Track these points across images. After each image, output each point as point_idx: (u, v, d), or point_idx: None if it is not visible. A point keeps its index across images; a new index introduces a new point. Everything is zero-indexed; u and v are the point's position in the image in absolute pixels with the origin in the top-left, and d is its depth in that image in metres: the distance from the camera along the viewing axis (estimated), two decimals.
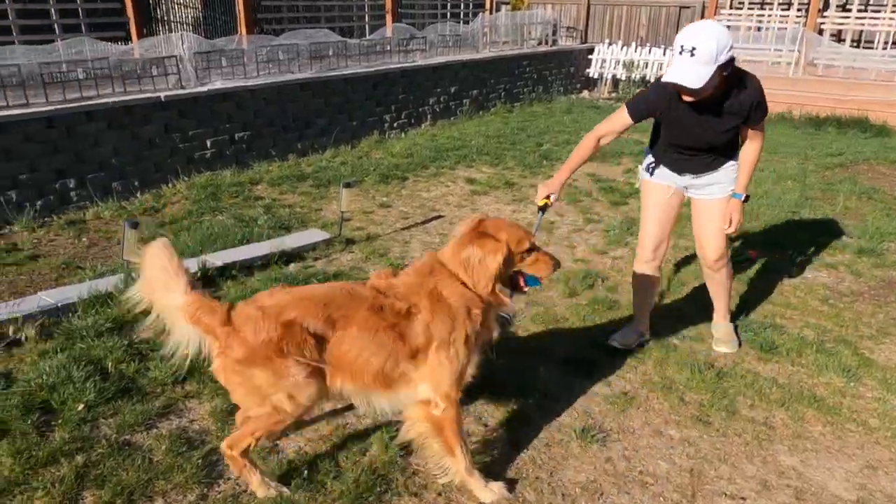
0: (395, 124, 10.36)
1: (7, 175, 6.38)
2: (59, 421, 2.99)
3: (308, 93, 8.99)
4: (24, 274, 5.32)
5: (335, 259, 5.32)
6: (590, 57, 14.72)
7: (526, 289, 2.77)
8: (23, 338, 3.66)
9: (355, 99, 9.65)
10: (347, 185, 5.74)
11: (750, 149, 3.52)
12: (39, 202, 6.56)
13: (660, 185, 3.72)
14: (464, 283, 2.53)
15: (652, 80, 13.78)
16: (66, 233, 6.21)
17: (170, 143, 7.55)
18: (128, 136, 7.19)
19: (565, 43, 15.61)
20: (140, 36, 8.91)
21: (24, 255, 5.60)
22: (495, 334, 2.82)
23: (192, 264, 4.68)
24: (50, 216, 6.51)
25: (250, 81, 8.41)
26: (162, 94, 7.40)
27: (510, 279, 2.71)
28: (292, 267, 5.09)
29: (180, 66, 7.92)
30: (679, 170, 3.63)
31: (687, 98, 3.20)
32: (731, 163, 3.58)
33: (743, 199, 3.56)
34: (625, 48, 14.33)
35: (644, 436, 3.17)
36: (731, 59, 3.06)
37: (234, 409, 3.18)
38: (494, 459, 2.94)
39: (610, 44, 14.63)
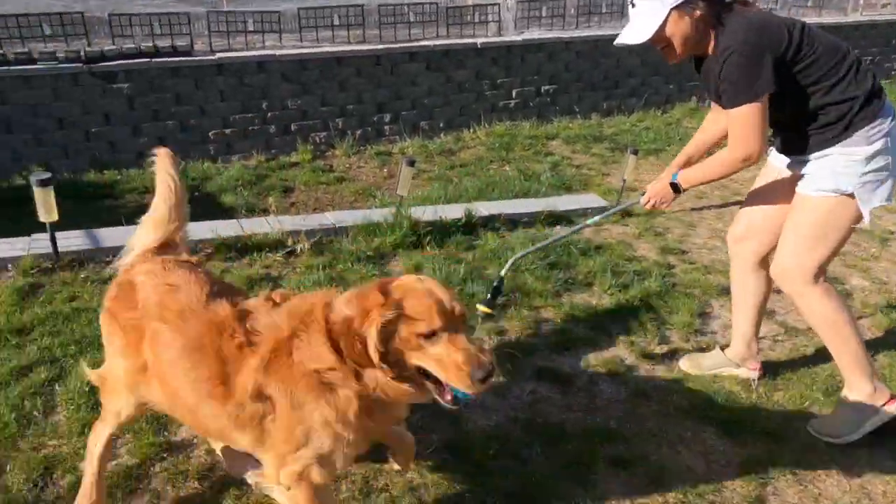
0: None
1: (339, 104, 7.22)
2: None
3: (625, 49, 8.43)
4: (328, 193, 6.01)
5: (605, 229, 4.91)
6: None
7: (447, 397, 1.71)
8: (300, 249, 4.07)
9: None
10: (635, 153, 5.22)
11: (721, 150, 2.55)
12: (359, 131, 7.31)
13: (771, 164, 2.83)
14: (336, 347, 1.71)
15: None
16: (372, 162, 6.84)
17: (478, 89, 7.76)
18: (442, 78, 7.56)
19: None
20: None
21: (334, 177, 6.31)
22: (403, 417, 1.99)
23: (459, 211, 4.73)
24: (364, 145, 7.22)
25: (567, 33, 8.17)
26: (479, 41, 7.59)
27: (410, 374, 1.72)
28: (557, 229, 4.84)
29: (501, 15, 8.02)
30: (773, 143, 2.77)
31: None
32: (832, 150, 2.44)
33: (674, 182, 2.66)
34: None
35: None
36: None
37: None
38: None
39: None
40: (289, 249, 4.10)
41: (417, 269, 3.96)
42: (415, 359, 1.68)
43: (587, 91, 8.39)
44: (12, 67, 5.91)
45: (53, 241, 3.70)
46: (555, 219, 4.93)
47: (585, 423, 2.73)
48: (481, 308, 2.95)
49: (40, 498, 2.22)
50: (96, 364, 2.73)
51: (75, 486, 2.21)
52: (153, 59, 6.36)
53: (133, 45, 6.47)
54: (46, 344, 2.99)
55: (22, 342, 3.01)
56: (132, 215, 4.72)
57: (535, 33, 8.10)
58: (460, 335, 1.67)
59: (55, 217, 3.65)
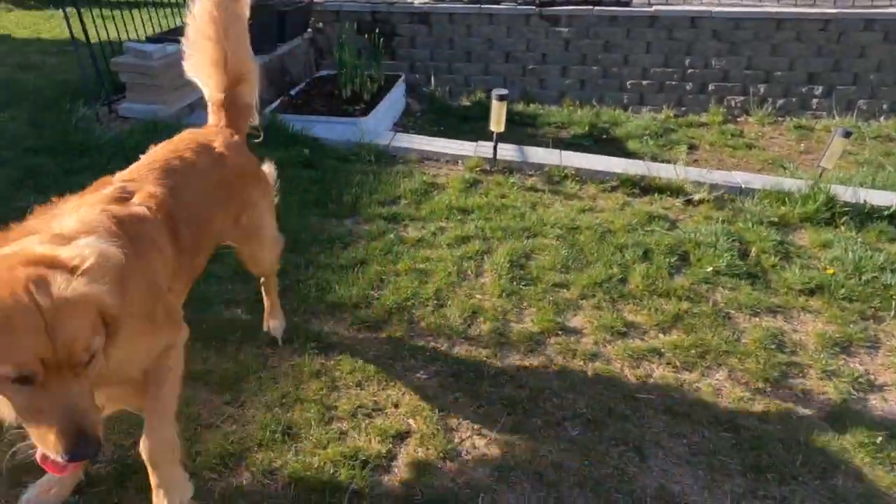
0: None
1: (765, 69, 6.83)
2: (686, 271, 3.36)
3: None
4: (734, 157, 5.83)
5: None
6: None
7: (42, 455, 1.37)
8: (699, 199, 4.13)
9: None
10: None
11: None
12: (781, 101, 6.84)
13: None
14: None
15: None
16: (788, 135, 6.36)
17: None
18: None
19: None
20: None
21: (743, 143, 6.08)
22: None
23: (888, 198, 4.20)
24: (783, 116, 6.73)
25: None
26: None
27: None
28: None
29: None
30: None
31: None
32: None
33: None
34: None
35: None
36: None
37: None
38: None
39: None
40: (688, 197, 4.19)
41: (826, 246, 3.70)
42: (2, 405, 1.33)
43: None
44: (483, 6, 6.97)
45: (495, 148, 4.42)
46: None
47: None
48: None
49: (467, 332, 2.83)
50: (514, 251, 3.29)
51: (493, 332, 2.77)
52: (595, 7, 6.84)
53: None
54: (481, 225, 3.67)
55: (464, 219, 3.76)
56: (550, 145, 5.34)
57: None
58: (64, 384, 1.26)
59: (502, 128, 4.34)
